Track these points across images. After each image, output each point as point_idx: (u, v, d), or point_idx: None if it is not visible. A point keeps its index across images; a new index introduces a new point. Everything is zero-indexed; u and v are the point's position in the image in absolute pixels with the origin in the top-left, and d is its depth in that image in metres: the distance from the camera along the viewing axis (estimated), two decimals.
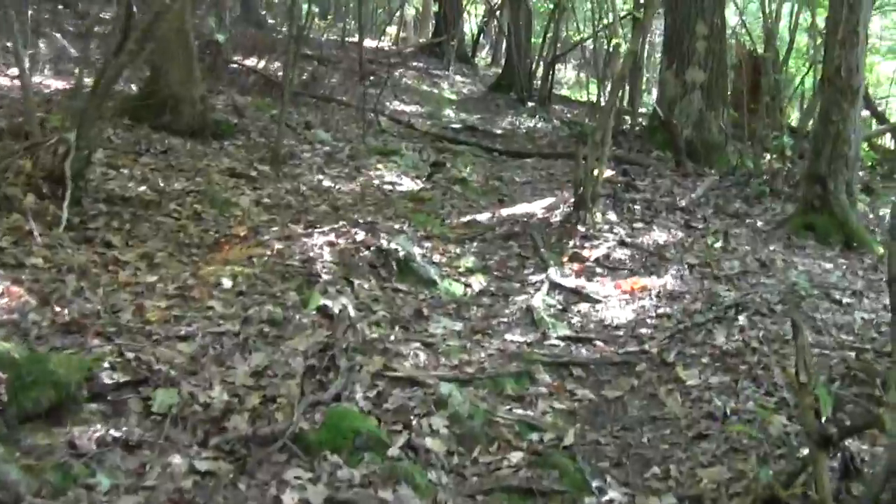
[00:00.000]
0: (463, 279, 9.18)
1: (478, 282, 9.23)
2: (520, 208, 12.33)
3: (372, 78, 23.23)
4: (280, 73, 18.43)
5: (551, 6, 24.92)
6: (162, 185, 10.12)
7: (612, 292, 9.17)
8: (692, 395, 6.87)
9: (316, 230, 9.41)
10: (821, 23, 18.13)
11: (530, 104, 22.95)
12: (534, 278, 9.43)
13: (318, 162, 12.87)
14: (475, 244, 10.52)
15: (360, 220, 10.18)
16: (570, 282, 9.34)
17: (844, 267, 10.59)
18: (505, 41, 27.10)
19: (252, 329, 6.87)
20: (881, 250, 11.73)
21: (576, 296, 9.01)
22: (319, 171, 12.43)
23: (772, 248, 11.17)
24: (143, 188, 9.81)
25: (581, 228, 10.83)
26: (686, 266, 10.02)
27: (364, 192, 11.80)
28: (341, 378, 6.34)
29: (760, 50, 19.30)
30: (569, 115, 23.05)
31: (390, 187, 12.36)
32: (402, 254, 8.85)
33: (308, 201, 10.89)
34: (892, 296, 5.53)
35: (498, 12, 29.37)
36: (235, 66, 18.16)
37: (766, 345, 7.57)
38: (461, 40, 30.21)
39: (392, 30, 34.48)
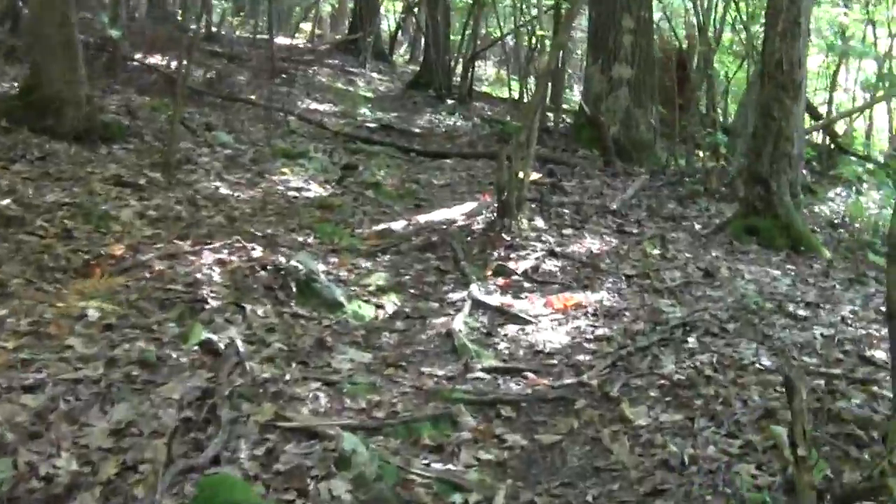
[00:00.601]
0: (374, 299, 8.02)
1: (391, 302, 8.08)
2: (438, 214, 11.21)
3: (284, 76, 22.09)
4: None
5: (470, 1, 23.77)
6: (32, 196, 8.83)
7: (542, 311, 8.06)
8: (642, 439, 5.72)
9: (206, 246, 8.21)
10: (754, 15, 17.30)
11: (449, 102, 21.86)
12: (454, 296, 8.30)
13: (217, 167, 11.63)
14: (389, 257, 9.39)
15: (258, 234, 9.01)
16: (496, 299, 8.21)
17: (793, 274, 9.65)
18: (423, 37, 25.92)
19: (117, 373, 5.67)
20: (828, 254, 10.82)
21: (502, 316, 7.88)
22: (218, 177, 11.20)
23: (714, 254, 10.20)
24: (6, 201, 8.51)
25: (506, 237, 9.73)
26: (623, 278, 8.97)
27: (266, 200, 10.60)
28: (222, 433, 5.15)
29: (685, 45, 18.45)
30: (489, 113, 21.99)
31: (296, 194, 11.16)
32: (303, 272, 7.67)
33: (201, 212, 9.65)
34: (893, 333, 4.49)
35: (416, 8, 28.23)
36: (136, 64, 16.79)
37: (722, 372, 6.50)
38: (378, 37, 29.05)
39: (307, 27, 33.24)
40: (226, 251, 8.15)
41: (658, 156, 16.14)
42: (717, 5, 16.73)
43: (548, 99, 20.01)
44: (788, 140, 10.84)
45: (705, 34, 14.67)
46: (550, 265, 9.21)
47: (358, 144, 15.27)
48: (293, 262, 7.76)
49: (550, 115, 19.77)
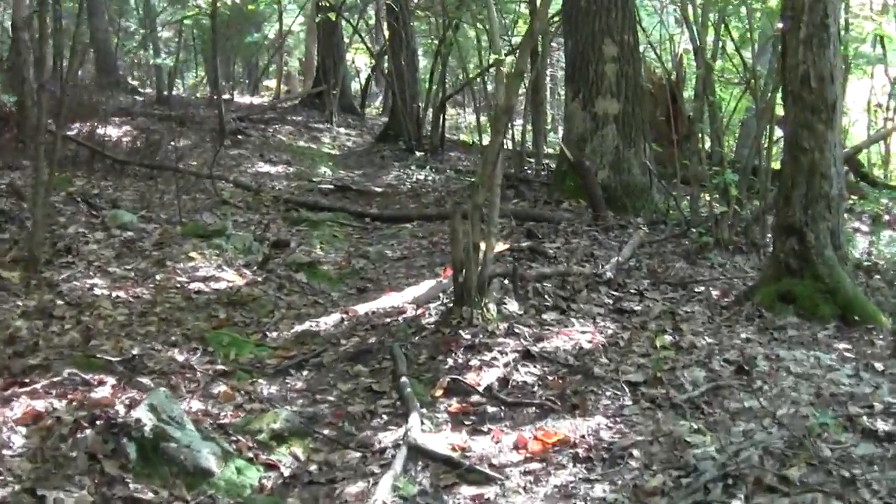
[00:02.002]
0: (265, 454, 5.32)
1: (291, 455, 5.38)
2: (385, 301, 8.57)
3: (239, 136, 19.58)
4: (110, 139, 14.62)
5: (436, 42, 21.20)
6: None
7: (511, 456, 5.37)
8: None
9: (22, 388, 5.53)
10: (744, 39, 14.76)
11: (418, 154, 19.24)
12: (386, 437, 5.62)
13: (106, 256, 9.00)
14: (304, 375, 6.73)
15: (117, 357, 6.32)
16: (444, 441, 5.51)
17: (853, 358, 6.99)
18: (388, 87, 23.33)
19: None
20: (888, 322, 8.19)
21: (451, 471, 5.18)
22: (101, 270, 8.57)
23: (743, 335, 7.53)
24: None
25: (465, 335, 7.05)
26: (626, 387, 6.28)
27: (156, 300, 7.96)
28: None
29: (673, 74, 15.87)
30: (465, 164, 19.38)
31: (201, 286, 8.50)
32: (150, 427, 4.96)
33: (50, 327, 6.99)
34: None
35: (385, 56, 25.70)
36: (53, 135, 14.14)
37: None
38: (345, 89, 26.43)
39: (272, 83, 30.75)
40: (53, 394, 5.48)
41: (656, 202, 13.48)
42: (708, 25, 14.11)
43: (527, 143, 17.46)
44: (825, 178, 8.20)
45: (702, 55, 12.04)
46: (525, 374, 6.52)
47: (301, 212, 12.63)
48: (137, 413, 5.05)
49: (531, 161, 17.19)
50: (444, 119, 20.48)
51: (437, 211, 13.09)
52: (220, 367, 6.53)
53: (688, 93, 18.03)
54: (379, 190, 15.35)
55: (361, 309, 8.33)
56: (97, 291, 7.91)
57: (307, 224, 11.88)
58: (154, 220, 10.72)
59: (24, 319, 7.05)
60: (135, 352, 6.47)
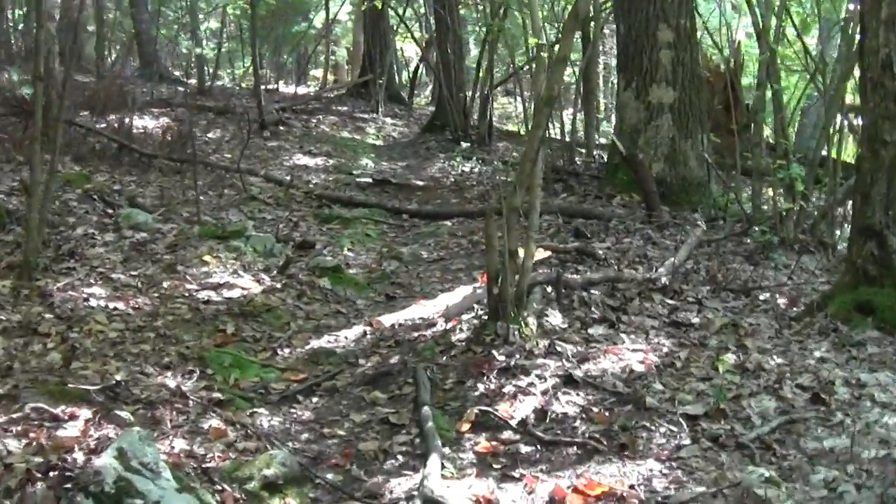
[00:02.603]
0: None
1: None
2: (414, 312, 7.68)
3: (281, 127, 18.74)
4: (144, 131, 13.84)
5: (484, 30, 20.20)
6: None
7: None
8: None
9: None
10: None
11: (465, 145, 18.27)
12: (399, 485, 4.72)
13: (113, 260, 8.17)
14: (313, 403, 5.84)
15: (97, 385, 5.46)
16: (466, 491, 4.60)
17: None
18: (436, 76, 22.36)
19: None
20: None
21: None
22: (104, 277, 7.72)
23: (816, 353, 6.53)
24: None
25: (499, 355, 6.13)
26: (683, 423, 5.33)
27: (158, 311, 7.11)
28: None
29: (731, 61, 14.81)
30: (514, 154, 18.40)
31: (210, 295, 7.64)
32: (112, 480, 4.09)
33: (31, 345, 6.15)
34: None
35: (433, 45, 24.76)
36: (81, 128, 13.37)
37: None
38: (392, 78, 25.52)
39: (319, 73, 29.91)
40: (12, 432, 4.64)
41: (714, 197, 12.46)
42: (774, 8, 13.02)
43: (578, 134, 16.47)
44: None
45: (765, 40, 10.99)
46: (566, 403, 5.59)
47: (334, 209, 11.75)
48: (101, 461, 4.18)
49: (583, 152, 16.19)
50: (491, 109, 19.52)
51: (480, 207, 12.15)
52: (216, 394, 5.65)
53: (746, 80, 16.96)
54: (420, 183, 14.43)
55: (388, 320, 7.44)
56: (93, 303, 7.05)
57: (339, 221, 11.00)
58: (173, 220, 9.89)
59: (3, 337, 6.21)
60: (120, 377, 5.60)
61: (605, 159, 14.36)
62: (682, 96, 12.42)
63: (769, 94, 10.99)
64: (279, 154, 16.18)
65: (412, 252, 9.89)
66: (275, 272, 8.40)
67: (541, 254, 7.66)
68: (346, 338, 7.07)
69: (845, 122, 11.47)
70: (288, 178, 13.27)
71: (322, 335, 7.11)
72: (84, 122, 14.09)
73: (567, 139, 15.87)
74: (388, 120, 22.93)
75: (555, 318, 7.01)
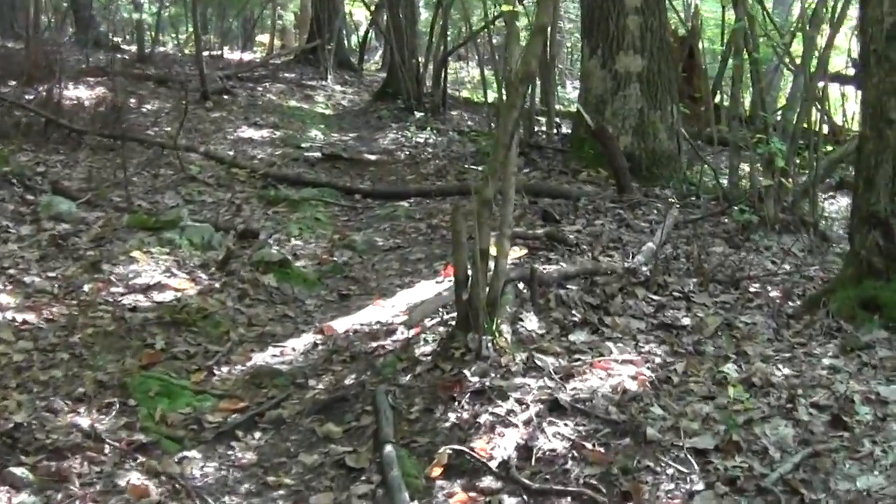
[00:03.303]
0: None
1: None
2: (371, 314, 6.78)
3: (226, 97, 17.68)
4: (76, 103, 12.75)
5: None
6: None
7: None
8: None
9: None
10: None
11: (418, 115, 17.30)
12: None
13: (27, 259, 7.19)
14: (255, 440, 4.91)
15: None
16: None
17: None
18: (387, 41, 21.28)
19: None
20: None
21: None
22: (15, 281, 6.72)
23: (824, 360, 5.70)
24: None
25: (471, 376, 5.22)
26: (693, 461, 4.46)
27: (76, 323, 6.15)
28: None
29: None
30: (469, 123, 17.48)
31: (138, 300, 6.68)
32: None
33: None
34: None
35: (383, 9, 23.66)
36: (3, 101, 12.26)
37: None
38: (341, 43, 24.38)
39: (265, 38, 28.72)
40: None
41: (685, 172, 11.62)
42: None
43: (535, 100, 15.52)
44: None
45: (742, 5, 10.11)
46: (553, 436, 4.70)
47: (281, 189, 10.76)
48: None
49: (541, 121, 15.27)
50: (446, 75, 18.50)
51: (438, 185, 11.23)
52: (138, 435, 4.71)
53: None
54: (373, 158, 13.45)
55: (341, 326, 6.53)
56: None
57: (286, 204, 10.04)
58: (101, 206, 8.88)
59: None
60: (21, 417, 4.65)
61: (570, 131, 13.44)
62: (650, 65, 11.56)
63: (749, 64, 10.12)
64: (223, 126, 15.15)
65: (366, 239, 8.95)
66: (213, 269, 7.44)
67: (516, 252, 6.73)
68: (293, 350, 6.14)
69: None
70: (228, 155, 12.26)
71: (266, 347, 6.18)
72: (10, 94, 12.99)
73: (526, 108, 14.89)
74: (338, 87, 21.87)
75: (531, 323, 6.13)
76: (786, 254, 8.56)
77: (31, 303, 6.32)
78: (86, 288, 6.70)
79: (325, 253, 8.49)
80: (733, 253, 8.42)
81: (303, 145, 14.37)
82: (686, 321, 6.37)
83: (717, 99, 15.15)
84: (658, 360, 5.66)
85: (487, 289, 5.65)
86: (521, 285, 6.64)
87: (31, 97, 13.12)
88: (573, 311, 6.41)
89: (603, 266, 7.43)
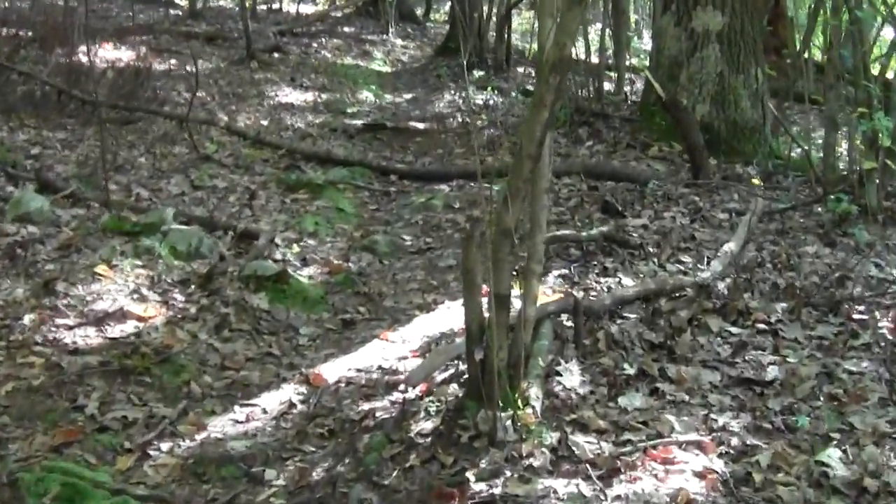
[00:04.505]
0: None
1: None
2: (371, 356, 5.35)
3: (276, 55, 16.28)
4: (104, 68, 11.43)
5: None
6: None
7: None
8: None
9: None
10: None
11: (479, 72, 15.76)
12: None
13: None
14: None
15: None
16: None
17: None
18: None
19: None
20: None
21: None
22: None
23: None
24: None
25: (476, 481, 3.77)
26: None
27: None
28: None
29: None
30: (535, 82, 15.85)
31: (88, 334, 5.31)
32: None
33: None
34: None
35: None
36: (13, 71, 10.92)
37: None
38: None
39: None
40: None
41: (771, 145, 10.00)
42: None
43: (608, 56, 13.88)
44: None
45: None
46: None
47: (306, 171, 9.35)
48: None
49: (612, 76, 13.62)
50: (510, 29, 16.83)
51: (485, 165, 9.73)
52: None
53: None
54: (421, 127, 11.95)
55: (333, 372, 5.11)
56: None
57: (307, 189, 8.61)
58: (85, 201, 7.51)
59: None
60: None
61: (640, 99, 11.81)
62: (732, 22, 9.94)
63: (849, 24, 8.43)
64: (264, 90, 13.75)
65: (391, 239, 7.49)
66: (193, 287, 6.04)
67: (547, 296, 5.20)
68: (264, 412, 4.73)
69: None
70: (264, 123, 10.85)
71: (231, 406, 4.77)
72: (26, 59, 11.71)
73: (593, 69, 13.23)
74: (399, 42, 20.39)
75: (571, 377, 4.67)
76: (889, 250, 6.99)
77: None
78: (27, 319, 5.33)
79: (340, 257, 7.06)
80: (829, 254, 6.86)
81: (348, 111, 12.97)
82: (773, 371, 4.85)
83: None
84: (735, 440, 4.17)
85: (508, 347, 4.19)
86: (564, 318, 5.19)
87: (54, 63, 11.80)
88: (627, 357, 4.92)
89: (669, 283, 5.92)
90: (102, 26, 15.87)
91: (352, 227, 7.89)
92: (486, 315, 4.19)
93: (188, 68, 14.39)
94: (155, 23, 18.34)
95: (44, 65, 11.48)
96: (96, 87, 9.87)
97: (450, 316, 5.72)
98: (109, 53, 14.33)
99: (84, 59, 12.20)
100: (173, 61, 14.98)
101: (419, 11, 23.86)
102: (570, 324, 5.21)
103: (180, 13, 20.71)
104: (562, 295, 5.47)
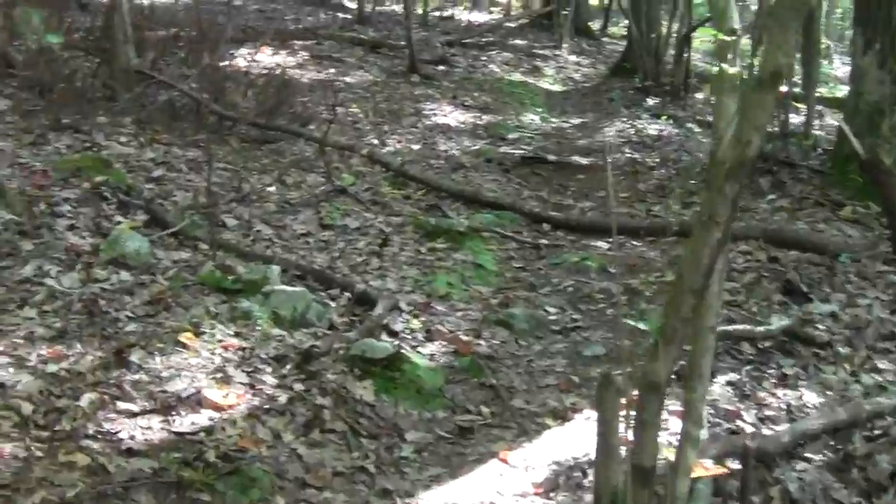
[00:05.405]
0: None
1: None
2: (482, 486, 4.32)
3: (441, 68, 15.43)
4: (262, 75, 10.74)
5: None
6: None
7: None
8: None
9: None
10: None
11: (650, 101, 14.55)
12: None
13: (35, 336, 4.98)
14: None
15: None
16: None
17: None
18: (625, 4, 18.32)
19: None
20: None
21: None
22: None
23: None
24: None
25: None
26: None
27: (30, 477, 3.89)
28: None
29: None
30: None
31: (149, 428, 4.40)
32: None
33: None
34: None
35: None
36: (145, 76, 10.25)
37: None
38: (580, 7, 21.60)
39: None
40: None
41: None
42: None
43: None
44: None
45: None
46: None
47: (449, 214, 8.38)
48: None
49: (799, 107, 12.20)
50: (689, 51, 15.50)
51: (650, 219, 8.62)
52: None
53: None
54: (584, 163, 10.81)
55: None
56: None
57: (447, 238, 7.62)
58: (195, 241, 6.69)
59: None
60: None
61: (832, 147, 10.43)
62: None
63: None
64: (422, 108, 12.85)
65: (532, 313, 6.43)
66: (289, 367, 5.10)
67: (704, 468, 4.06)
68: None
69: None
70: (415, 147, 9.94)
71: None
72: (171, 65, 11.06)
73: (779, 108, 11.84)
74: (572, 58, 19.29)
75: None
76: None
77: None
78: (85, 400, 4.46)
79: (470, 331, 6.03)
80: None
81: (508, 136, 11.95)
82: None
83: None
84: None
85: None
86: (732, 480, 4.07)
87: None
88: None
89: (865, 409, 4.74)
90: (264, 29, 15.26)
91: (490, 290, 6.85)
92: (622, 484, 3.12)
93: (347, 79, 13.65)
94: (320, 27, 17.67)
95: (189, 72, 10.76)
96: (239, 100, 9.09)
97: (588, 433, 4.64)
98: (267, 58, 13.67)
99: (236, 64, 11.57)
100: (331, 70, 14.24)
101: (596, 25, 22.63)
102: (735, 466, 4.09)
103: (349, 16, 20.02)
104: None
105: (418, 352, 5.60)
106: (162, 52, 10.87)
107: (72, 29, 10.75)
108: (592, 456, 4.17)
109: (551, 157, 10.74)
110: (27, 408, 4.26)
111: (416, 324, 5.98)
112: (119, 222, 6.68)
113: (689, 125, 13.29)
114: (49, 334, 5.02)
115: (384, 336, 5.61)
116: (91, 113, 9.06)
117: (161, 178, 7.96)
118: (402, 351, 5.36)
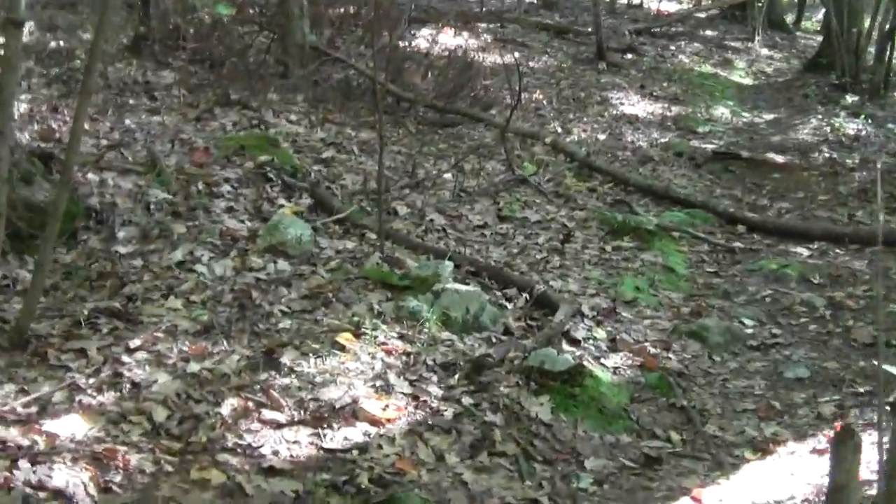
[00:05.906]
0: None
1: None
2: None
3: (628, 56, 14.65)
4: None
5: None
6: None
7: None
8: None
9: None
10: None
11: (851, 97, 13.43)
12: None
13: (179, 330, 4.48)
14: None
15: None
16: None
17: None
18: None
19: None
20: None
21: None
22: (117, 376, 4.04)
23: None
24: None
25: None
26: None
27: (151, 495, 3.34)
28: None
29: None
30: None
31: (295, 441, 3.86)
32: None
33: None
34: None
35: None
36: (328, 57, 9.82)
37: None
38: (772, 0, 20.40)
39: None
40: None
41: None
42: None
43: None
44: None
45: None
46: None
47: (636, 210, 7.63)
48: None
49: None
50: (892, 50, 14.25)
51: (854, 225, 7.71)
52: None
53: None
54: (780, 160, 9.90)
55: None
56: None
57: (634, 236, 6.91)
58: (357, 228, 6.13)
59: None
60: None
61: None
62: None
63: None
64: (608, 96, 12.09)
65: (727, 325, 5.66)
66: (457, 377, 4.47)
67: None
68: None
69: None
70: (600, 136, 9.22)
71: None
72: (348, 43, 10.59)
73: None
74: (764, 51, 18.14)
75: None
76: None
77: (109, 441, 3.61)
78: (226, 406, 3.93)
79: (658, 343, 5.31)
80: None
81: (699, 129, 11.12)
82: None
83: None
84: None
85: None
86: None
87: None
88: None
89: None
90: (447, 10, 14.72)
91: (680, 297, 6.11)
92: None
93: (531, 64, 13.00)
94: (505, 10, 17.05)
95: (366, 51, 10.26)
96: (418, 82, 8.54)
97: (793, 470, 3.90)
98: (449, 40, 13.11)
99: (416, 45, 11.04)
100: (516, 54, 13.58)
101: (789, 18, 21.39)
102: None
103: (535, 1, 19.33)
104: None
105: (601, 364, 4.91)
106: (339, 30, 10.42)
107: (246, 3, 10.34)
108: (798, 501, 3.48)
109: (745, 154, 9.87)
110: (161, 413, 3.75)
111: (599, 332, 5.30)
112: (281, 206, 6.21)
113: (891, 125, 12.19)
114: (193, 328, 4.53)
115: (564, 345, 4.93)
116: (261, 89, 8.65)
117: (330, 160, 7.47)
118: (585, 363, 4.65)
